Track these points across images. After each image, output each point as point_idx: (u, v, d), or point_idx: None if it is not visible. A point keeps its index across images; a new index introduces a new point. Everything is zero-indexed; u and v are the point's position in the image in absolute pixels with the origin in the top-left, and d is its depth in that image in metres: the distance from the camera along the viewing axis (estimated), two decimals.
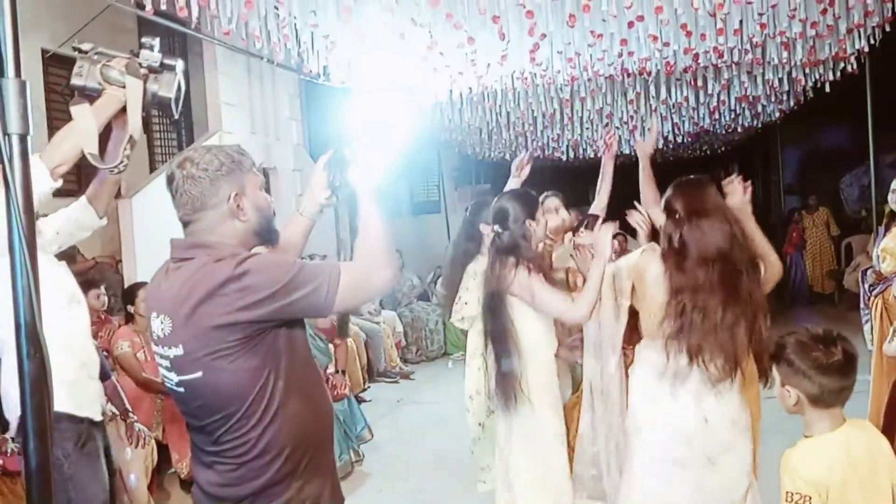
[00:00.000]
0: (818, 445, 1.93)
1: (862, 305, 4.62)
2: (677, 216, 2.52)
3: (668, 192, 2.64)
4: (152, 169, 6.73)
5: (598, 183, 3.70)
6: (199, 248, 1.72)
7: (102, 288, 4.94)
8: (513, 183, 3.52)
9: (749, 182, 2.80)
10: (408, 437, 5.31)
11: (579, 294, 2.77)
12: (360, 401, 5.49)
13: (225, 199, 1.73)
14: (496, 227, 2.80)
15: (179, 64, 1.97)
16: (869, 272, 4.51)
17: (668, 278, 2.48)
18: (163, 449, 4.33)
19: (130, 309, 4.60)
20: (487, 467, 3.28)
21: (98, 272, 5.70)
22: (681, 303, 2.43)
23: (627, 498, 2.63)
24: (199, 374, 1.66)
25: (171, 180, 1.76)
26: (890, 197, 4.33)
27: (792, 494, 1.87)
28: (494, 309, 2.75)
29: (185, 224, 1.77)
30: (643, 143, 3.61)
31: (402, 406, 6.25)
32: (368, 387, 6.80)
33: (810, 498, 1.84)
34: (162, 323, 1.70)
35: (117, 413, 3.94)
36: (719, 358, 2.42)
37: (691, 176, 2.72)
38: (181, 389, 1.71)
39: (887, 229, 4.43)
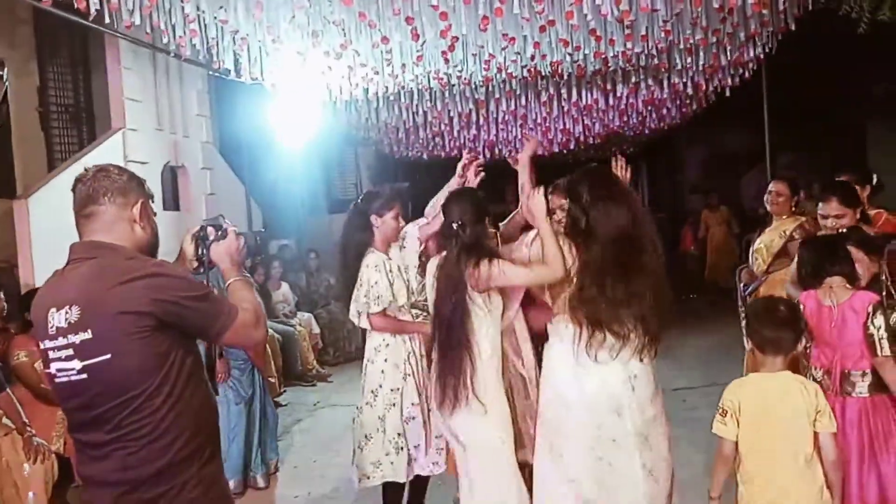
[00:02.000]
0: (751, 378, 2.63)
1: (740, 304, 4.79)
2: (584, 200, 2.70)
3: (575, 178, 2.81)
4: (51, 168, 6.39)
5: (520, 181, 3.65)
6: (104, 248, 1.89)
7: (1, 294, 4.64)
8: (454, 183, 3.56)
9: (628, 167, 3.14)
10: (325, 440, 5.25)
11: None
12: (275, 405, 5.38)
13: (131, 204, 1.95)
14: (457, 224, 2.86)
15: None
16: (744, 272, 4.72)
17: (576, 258, 2.67)
18: (64, 463, 4.11)
19: (28, 317, 4.35)
20: (378, 462, 3.34)
21: None
22: (585, 279, 2.64)
23: (564, 476, 2.72)
24: (108, 356, 1.77)
25: (80, 178, 1.95)
26: (766, 198, 4.55)
27: (720, 408, 2.56)
28: (455, 311, 2.78)
29: (86, 216, 1.92)
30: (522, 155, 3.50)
31: (319, 409, 6.17)
32: (284, 390, 6.68)
33: (726, 411, 2.53)
34: (66, 313, 1.80)
35: (13, 427, 3.73)
36: (630, 328, 2.62)
37: (594, 164, 3.00)
38: (83, 376, 1.79)
39: (761, 230, 4.67)
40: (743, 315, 4.69)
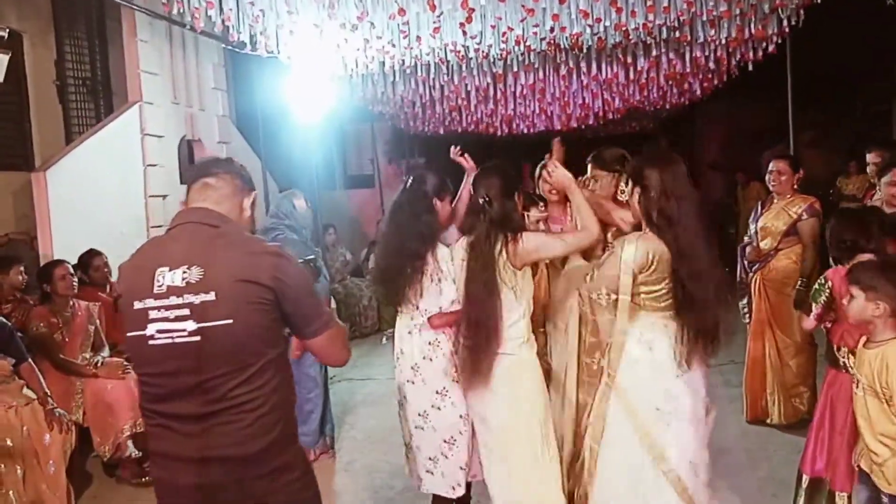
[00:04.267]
0: None
1: (738, 280, 4.75)
2: (655, 193, 2.55)
3: (642, 166, 2.64)
4: (69, 141, 6.41)
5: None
6: (225, 219, 1.91)
7: (22, 267, 4.69)
8: (469, 178, 3.34)
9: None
10: (340, 414, 5.28)
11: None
12: None
13: (246, 192, 2.02)
14: (485, 200, 2.78)
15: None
16: (748, 248, 4.68)
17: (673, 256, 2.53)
18: (83, 433, 4.17)
19: (47, 288, 4.39)
20: (465, 464, 3.06)
21: (12, 249, 5.42)
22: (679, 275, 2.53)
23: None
24: (230, 320, 1.75)
25: (216, 161, 2.06)
26: (767, 177, 4.54)
27: None
28: (485, 289, 2.71)
29: (203, 186, 1.94)
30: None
31: (335, 384, 6.20)
32: None
33: None
34: (185, 273, 1.78)
35: (34, 397, 3.78)
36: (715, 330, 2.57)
37: (656, 150, 2.82)
38: (195, 339, 1.75)
39: (764, 207, 4.63)
40: (742, 293, 4.68)
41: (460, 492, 3.07)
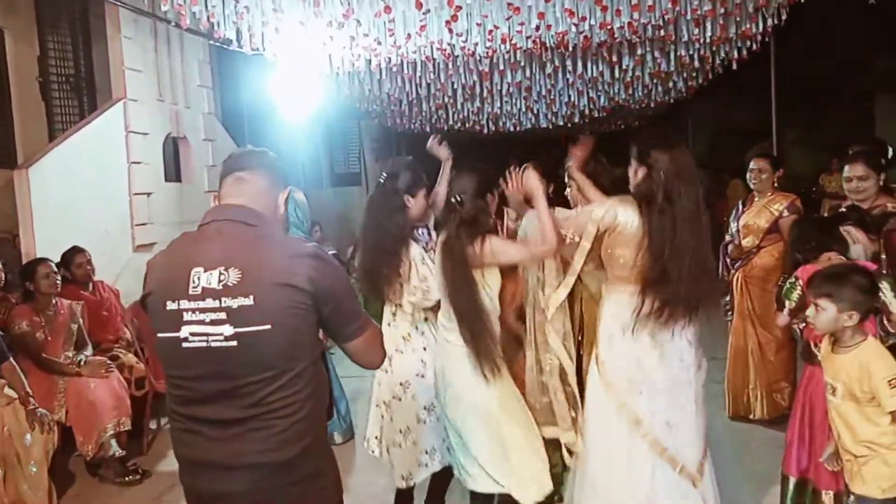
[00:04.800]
0: (875, 345, 2.46)
1: (720, 276, 4.80)
2: (660, 174, 2.61)
3: (650, 145, 2.70)
4: (52, 138, 6.35)
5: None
6: (262, 218, 1.83)
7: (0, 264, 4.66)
8: (446, 167, 3.50)
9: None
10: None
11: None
12: None
13: (279, 187, 1.94)
14: (457, 199, 2.82)
15: None
16: (730, 246, 4.73)
17: (648, 232, 2.61)
18: (66, 432, 4.15)
19: (29, 286, 4.36)
20: (433, 449, 3.14)
21: None
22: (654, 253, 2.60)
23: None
24: (268, 326, 1.69)
25: (237, 150, 1.98)
26: (748, 175, 4.60)
27: (892, 380, 2.35)
28: (465, 283, 2.76)
29: (237, 179, 1.87)
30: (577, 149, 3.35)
31: None
32: None
33: None
34: (222, 274, 1.70)
35: (16, 397, 3.75)
36: (686, 304, 2.63)
37: (663, 129, 2.97)
38: (232, 343, 1.69)
39: (745, 205, 4.68)
40: (726, 288, 4.73)
41: (409, 484, 3.16)
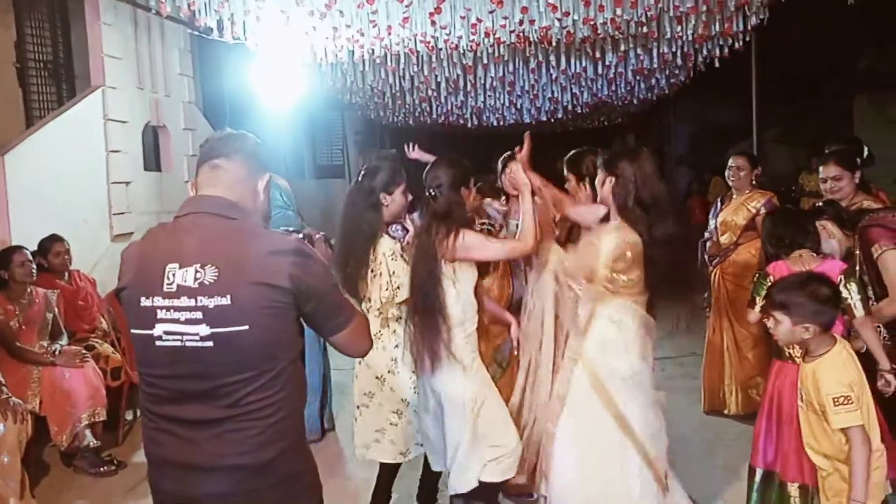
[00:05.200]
0: (836, 357, 2.39)
1: (699, 271, 4.86)
2: (627, 182, 2.75)
3: (616, 156, 2.84)
4: (29, 124, 6.26)
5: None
6: (239, 210, 1.74)
7: None
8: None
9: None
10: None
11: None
12: None
13: (259, 175, 1.83)
14: (431, 192, 2.84)
15: None
16: (709, 243, 4.78)
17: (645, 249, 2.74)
18: (39, 422, 4.10)
19: (3, 275, 4.30)
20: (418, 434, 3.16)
21: None
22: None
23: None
24: (245, 326, 1.62)
25: (216, 134, 1.86)
26: (727, 173, 4.66)
27: (838, 398, 2.31)
28: (429, 279, 2.76)
29: (212, 168, 1.77)
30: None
31: None
32: None
33: (849, 397, 2.30)
34: (198, 272, 1.63)
35: None
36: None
37: (625, 146, 3.03)
38: (207, 344, 1.62)
39: (723, 202, 4.74)
40: (705, 285, 4.79)
41: (408, 458, 3.20)
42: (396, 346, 3.09)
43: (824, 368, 2.40)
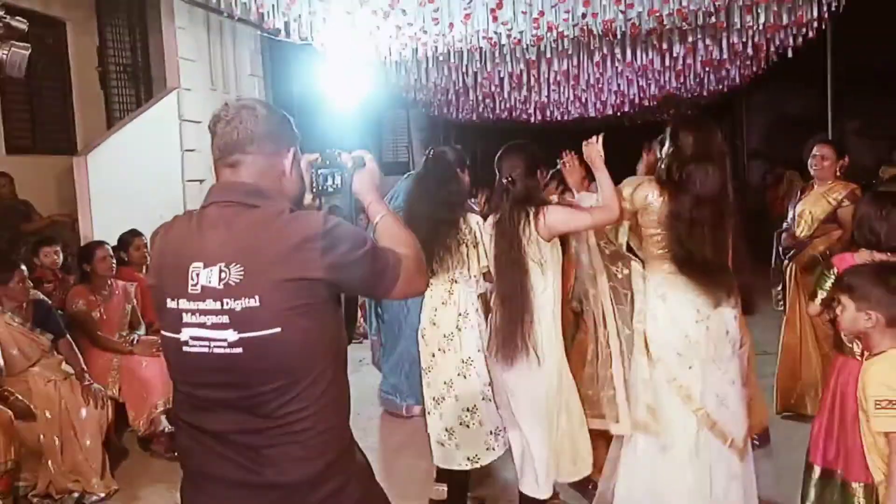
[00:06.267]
0: (890, 358, 2.27)
1: (772, 266, 4.67)
2: (685, 153, 2.76)
3: (682, 124, 2.87)
4: (109, 125, 6.58)
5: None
6: (262, 196, 1.56)
7: (58, 246, 4.88)
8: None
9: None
10: (369, 395, 5.36)
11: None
12: None
13: (282, 153, 1.63)
14: (509, 178, 2.89)
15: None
16: (784, 235, 4.58)
17: (666, 209, 2.76)
18: (119, 408, 4.32)
19: (87, 268, 4.54)
20: (497, 430, 3.18)
21: (54, 231, 5.61)
22: (676, 233, 2.76)
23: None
24: (278, 329, 1.45)
25: (222, 116, 1.62)
26: (809, 162, 4.42)
27: (880, 401, 2.23)
28: (513, 266, 2.84)
29: (230, 165, 1.59)
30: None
31: (363, 366, 6.29)
32: None
33: (893, 401, 2.19)
34: (223, 272, 1.47)
35: (72, 372, 3.93)
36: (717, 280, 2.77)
37: (697, 114, 2.98)
38: (237, 350, 1.47)
39: (803, 193, 4.52)
40: (777, 280, 4.62)
41: (475, 465, 3.19)
42: (481, 326, 3.17)
43: (875, 367, 2.30)
